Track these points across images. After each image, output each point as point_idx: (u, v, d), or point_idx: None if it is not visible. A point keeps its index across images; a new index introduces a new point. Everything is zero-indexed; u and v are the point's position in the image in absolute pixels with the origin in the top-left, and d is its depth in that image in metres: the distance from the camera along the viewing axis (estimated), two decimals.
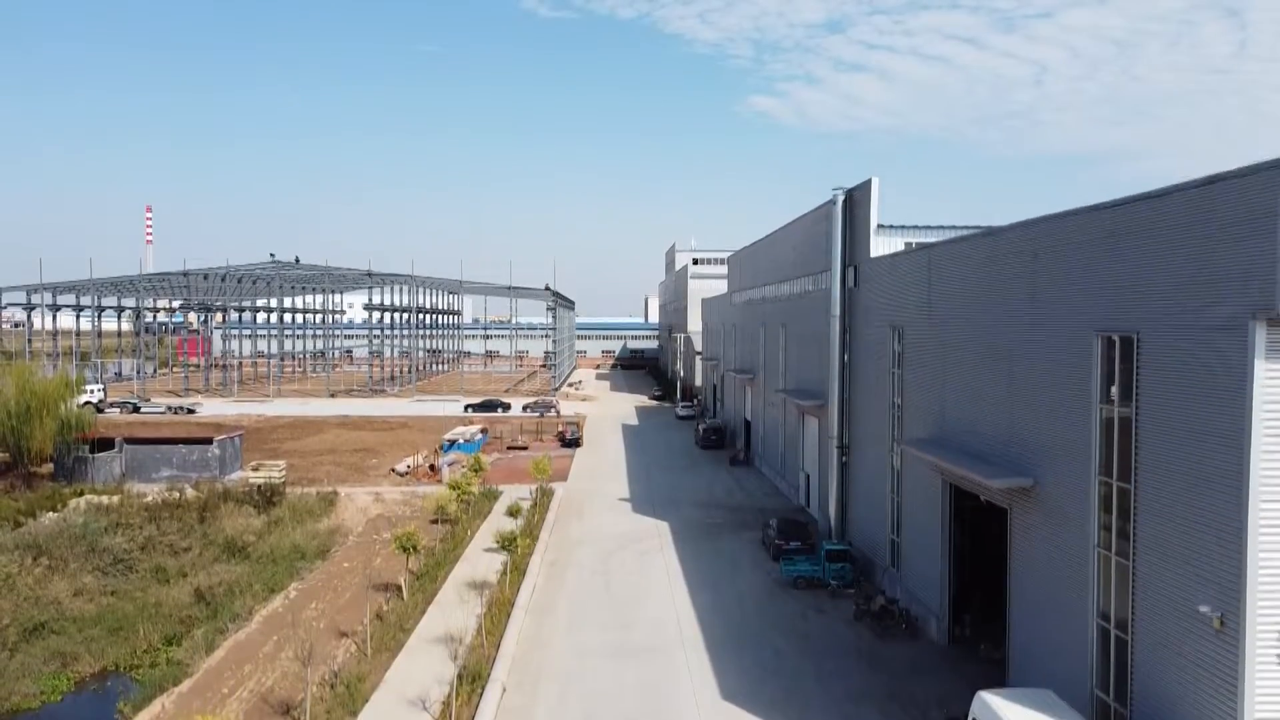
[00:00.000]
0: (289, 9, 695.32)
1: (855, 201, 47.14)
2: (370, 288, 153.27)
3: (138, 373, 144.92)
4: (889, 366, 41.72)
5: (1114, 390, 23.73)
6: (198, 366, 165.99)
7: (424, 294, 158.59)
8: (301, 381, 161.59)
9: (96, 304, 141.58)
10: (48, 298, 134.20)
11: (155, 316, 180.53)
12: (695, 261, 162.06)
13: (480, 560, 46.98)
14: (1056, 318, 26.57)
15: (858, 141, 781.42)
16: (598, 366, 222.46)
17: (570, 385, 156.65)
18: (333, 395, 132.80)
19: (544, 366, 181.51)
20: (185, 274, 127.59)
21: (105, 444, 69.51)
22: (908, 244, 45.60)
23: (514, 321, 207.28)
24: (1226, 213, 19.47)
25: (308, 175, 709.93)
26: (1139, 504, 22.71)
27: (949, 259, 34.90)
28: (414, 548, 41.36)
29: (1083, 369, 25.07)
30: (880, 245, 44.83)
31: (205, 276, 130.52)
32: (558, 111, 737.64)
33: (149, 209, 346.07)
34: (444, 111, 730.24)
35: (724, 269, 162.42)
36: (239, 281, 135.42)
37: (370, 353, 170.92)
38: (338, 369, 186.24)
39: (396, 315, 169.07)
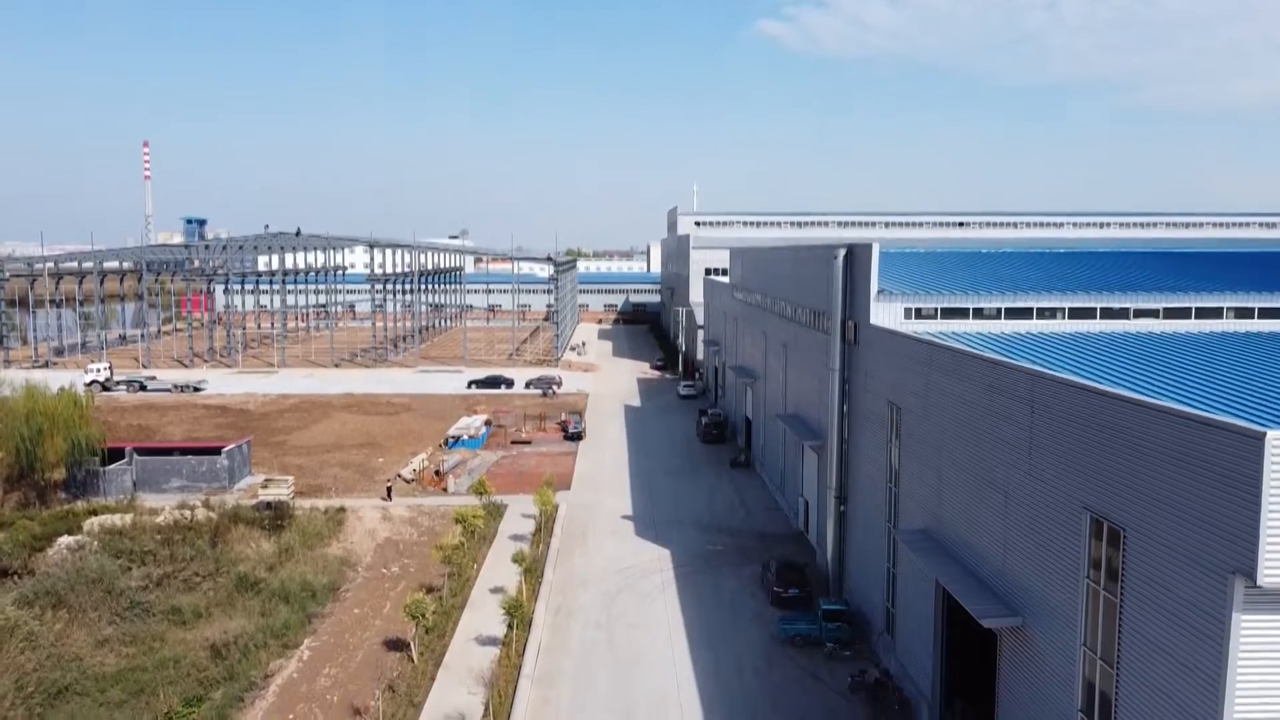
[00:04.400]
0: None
1: (856, 259, 47.28)
2: (372, 250, 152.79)
3: (141, 335, 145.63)
4: (887, 438, 42.39)
5: (1102, 571, 24.46)
6: (201, 323, 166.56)
7: (426, 256, 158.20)
8: (305, 343, 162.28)
9: (99, 269, 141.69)
10: (50, 266, 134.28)
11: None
12: (698, 224, 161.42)
13: (486, 606, 48.39)
14: (1050, 478, 27.06)
15: (867, 68, 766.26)
16: (600, 321, 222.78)
17: (572, 348, 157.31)
18: (337, 365, 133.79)
19: (546, 320, 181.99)
20: (187, 246, 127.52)
21: (116, 453, 70.69)
22: (907, 309, 45.95)
23: (515, 273, 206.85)
24: (1217, 462, 19.87)
25: (307, 127, 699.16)
26: (1120, 696, 23.62)
27: (950, 368, 35.18)
28: (423, 615, 42.68)
29: (1074, 539, 25.71)
30: (880, 311, 45.10)
31: (207, 247, 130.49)
32: (566, 41, 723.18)
33: (145, 145, 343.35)
34: (455, 37, 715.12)
35: (727, 231, 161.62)
36: (240, 249, 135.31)
37: (373, 308, 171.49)
38: (340, 323, 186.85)
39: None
